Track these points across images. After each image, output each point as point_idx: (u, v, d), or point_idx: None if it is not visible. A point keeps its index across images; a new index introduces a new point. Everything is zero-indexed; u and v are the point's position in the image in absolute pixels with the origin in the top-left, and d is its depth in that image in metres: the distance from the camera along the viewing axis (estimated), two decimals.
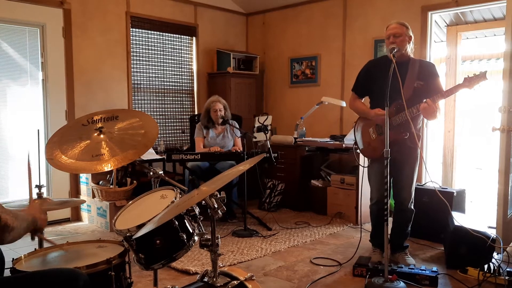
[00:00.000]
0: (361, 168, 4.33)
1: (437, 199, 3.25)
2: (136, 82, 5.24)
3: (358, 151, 3.42)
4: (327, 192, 4.79)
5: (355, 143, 3.38)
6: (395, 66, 2.78)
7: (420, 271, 2.92)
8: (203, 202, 1.65)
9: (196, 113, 5.76)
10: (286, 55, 5.99)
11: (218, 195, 1.68)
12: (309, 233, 4.16)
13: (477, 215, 4.67)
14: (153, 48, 5.39)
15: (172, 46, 5.59)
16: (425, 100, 2.96)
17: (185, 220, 1.84)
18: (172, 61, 5.60)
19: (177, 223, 1.78)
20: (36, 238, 2.14)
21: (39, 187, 2.22)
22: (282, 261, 3.40)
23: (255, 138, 4.58)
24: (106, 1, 4.88)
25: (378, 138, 3.14)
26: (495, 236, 3.13)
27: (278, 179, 5.14)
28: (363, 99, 3.38)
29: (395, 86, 2.88)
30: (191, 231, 1.83)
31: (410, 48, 3.12)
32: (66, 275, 1.46)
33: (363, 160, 3.46)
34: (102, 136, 2.02)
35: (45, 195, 2.23)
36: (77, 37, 4.68)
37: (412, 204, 3.27)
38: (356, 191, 4.50)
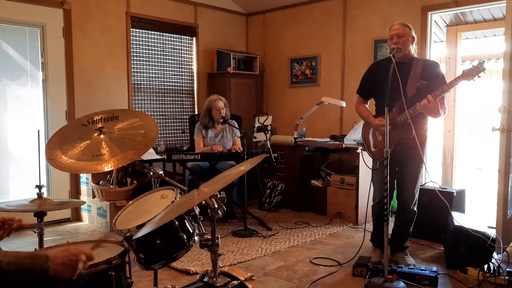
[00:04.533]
0: (361, 169, 4.36)
1: (437, 199, 3.26)
2: (136, 82, 5.24)
3: (364, 153, 3.43)
4: (327, 192, 4.79)
5: (364, 146, 3.39)
6: (395, 66, 2.78)
7: (420, 271, 2.92)
8: (203, 202, 1.65)
9: (196, 113, 5.77)
10: (286, 55, 6.00)
11: (218, 195, 1.68)
12: (309, 233, 4.16)
13: (477, 215, 4.68)
14: (153, 48, 5.39)
15: (172, 46, 5.59)
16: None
17: (185, 220, 1.84)
18: (172, 61, 5.60)
19: (177, 223, 1.78)
20: (37, 238, 2.15)
21: (39, 187, 2.22)
22: (282, 261, 3.40)
23: (255, 138, 4.58)
24: (106, 1, 4.88)
25: (384, 139, 3.11)
26: (495, 236, 3.13)
27: (278, 179, 5.14)
28: (368, 101, 3.39)
29: (397, 86, 2.89)
30: (191, 231, 1.84)
31: (413, 49, 3.13)
32: None
33: (368, 162, 3.44)
34: (102, 136, 2.02)
35: (45, 195, 2.24)
36: (77, 37, 4.68)
37: (415, 205, 3.26)
38: (356, 191, 4.50)
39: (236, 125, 4.64)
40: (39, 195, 2.19)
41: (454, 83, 2.97)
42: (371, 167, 3.30)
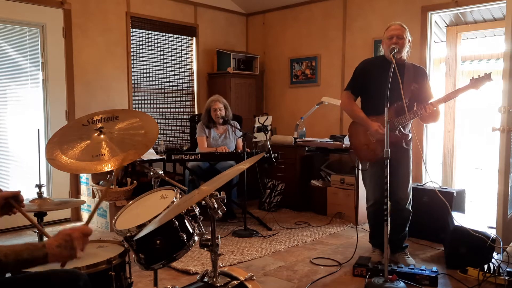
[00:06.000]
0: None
1: (437, 199, 3.26)
2: (136, 82, 5.24)
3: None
4: (327, 192, 4.79)
5: (351, 146, 3.37)
6: (395, 67, 2.78)
7: (420, 271, 2.92)
8: (203, 202, 1.65)
9: (196, 113, 5.77)
10: (286, 55, 6.00)
11: (218, 195, 1.68)
12: (309, 233, 4.16)
13: (477, 215, 4.68)
14: (153, 48, 5.39)
15: (172, 46, 5.59)
16: (418, 104, 2.98)
17: (185, 220, 1.84)
18: (172, 61, 5.60)
19: (177, 223, 1.78)
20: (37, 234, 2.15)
21: (39, 186, 2.22)
22: (282, 261, 3.40)
23: (255, 138, 4.58)
24: (106, 1, 4.88)
25: (378, 140, 3.12)
26: (495, 236, 3.13)
27: (278, 179, 5.14)
28: (356, 99, 3.36)
29: (395, 88, 2.88)
30: (191, 231, 1.84)
31: (406, 51, 3.13)
32: (66, 275, 1.46)
33: (358, 163, 3.44)
34: (102, 136, 2.02)
35: (45, 195, 2.24)
36: (77, 37, 4.68)
37: (410, 204, 3.27)
38: (356, 191, 4.50)
39: (238, 126, 4.64)
40: (39, 194, 2.20)
41: (462, 91, 2.99)
42: (360, 168, 3.29)
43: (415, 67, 3.22)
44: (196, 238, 1.83)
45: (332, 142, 4.85)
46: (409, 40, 3.11)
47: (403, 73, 3.08)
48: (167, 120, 5.59)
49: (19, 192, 1.67)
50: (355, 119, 3.28)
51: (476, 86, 2.90)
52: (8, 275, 1.60)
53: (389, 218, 2.87)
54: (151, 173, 2.19)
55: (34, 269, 1.62)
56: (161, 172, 2.19)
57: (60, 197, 4.48)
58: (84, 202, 2.85)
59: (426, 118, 3.13)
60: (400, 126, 3.08)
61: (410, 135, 3.18)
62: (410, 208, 3.27)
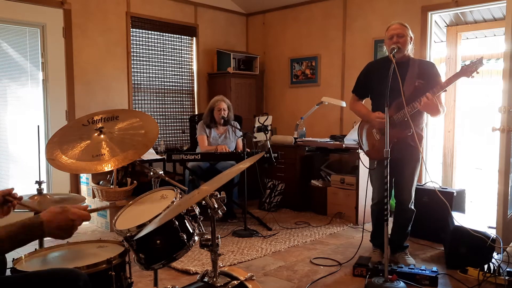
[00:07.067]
0: (361, 169, 4.36)
1: (437, 199, 3.26)
2: (136, 82, 5.24)
3: (362, 153, 3.42)
4: (327, 192, 4.79)
5: (360, 145, 3.38)
6: (395, 66, 2.78)
7: (420, 271, 2.92)
8: (203, 202, 1.65)
9: (196, 113, 5.77)
10: (286, 55, 6.00)
11: (218, 195, 1.68)
12: (309, 233, 4.16)
13: (477, 215, 4.68)
14: (153, 48, 5.39)
15: (172, 46, 5.59)
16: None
17: (185, 220, 1.84)
18: (172, 61, 5.60)
19: (177, 223, 1.78)
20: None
21: (39, 183, 2.22)
22: (282, 261, 3.40)
23: (255, 138, 4.58)
24: (106, 1, 4.88)
25: (382, 139, 3.12)
26: (495, 236, 3.13)
27: (278, 179, 5.14)
28: (364, 100, 3.39)
29: (396, 86, 2.88)
30: (191, 231, 1.83)
31: (410, 49, 3.14)
32: (66, 275, 1.46)
33: (367, 162, 3.44)
34: (102, 136, 2.02)
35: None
36: (77, 37, 4.68)
37: (413, 204, 3.28)
38: (356, 191, 4.50)
39: (238, 127, 4.64)
40: (39, 191, 2.19)
41: (453, 79, 2.98)
42: (368, 167, 3.30)
43: (421, 63, 3.21)
44: (196, 238, 1.83)
45: (332, 142, 4.85)
46: (411, 38, 3.11)
47: (406, 70, 3.09)
48: (167, 120, 5.59)
49: (12, 189, 1.71)
50: (359, 116, 3.37)
51: (467, 73, 2.91)
52: (7, 273, 1.60)
53: (390, 218, 2.87)
54: (151, 173, 2.18)
55: (33, 268, 1.62)
56: (161, 172, 2.18)
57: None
58: (84, 198, 2.84)
59: (428, 111, 3.11)
60: (399, 121, 3.07)
61: (412, 130, 3.13)
62: (413, 207, 3.28)
